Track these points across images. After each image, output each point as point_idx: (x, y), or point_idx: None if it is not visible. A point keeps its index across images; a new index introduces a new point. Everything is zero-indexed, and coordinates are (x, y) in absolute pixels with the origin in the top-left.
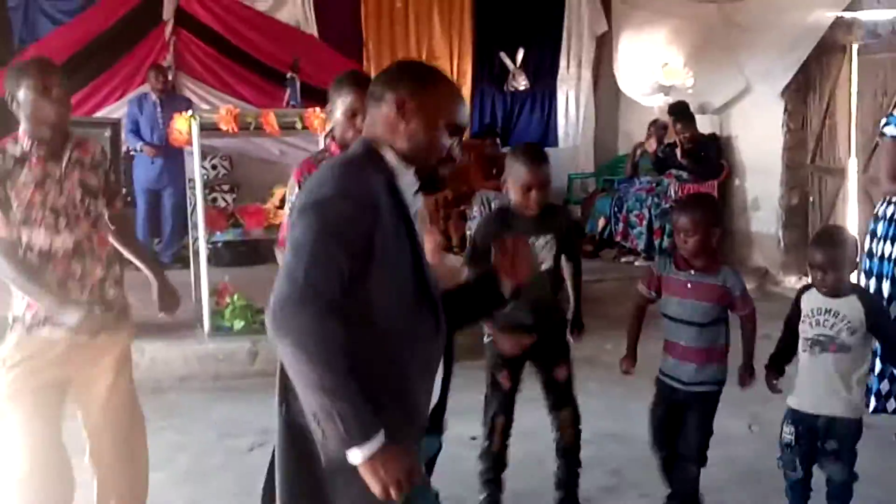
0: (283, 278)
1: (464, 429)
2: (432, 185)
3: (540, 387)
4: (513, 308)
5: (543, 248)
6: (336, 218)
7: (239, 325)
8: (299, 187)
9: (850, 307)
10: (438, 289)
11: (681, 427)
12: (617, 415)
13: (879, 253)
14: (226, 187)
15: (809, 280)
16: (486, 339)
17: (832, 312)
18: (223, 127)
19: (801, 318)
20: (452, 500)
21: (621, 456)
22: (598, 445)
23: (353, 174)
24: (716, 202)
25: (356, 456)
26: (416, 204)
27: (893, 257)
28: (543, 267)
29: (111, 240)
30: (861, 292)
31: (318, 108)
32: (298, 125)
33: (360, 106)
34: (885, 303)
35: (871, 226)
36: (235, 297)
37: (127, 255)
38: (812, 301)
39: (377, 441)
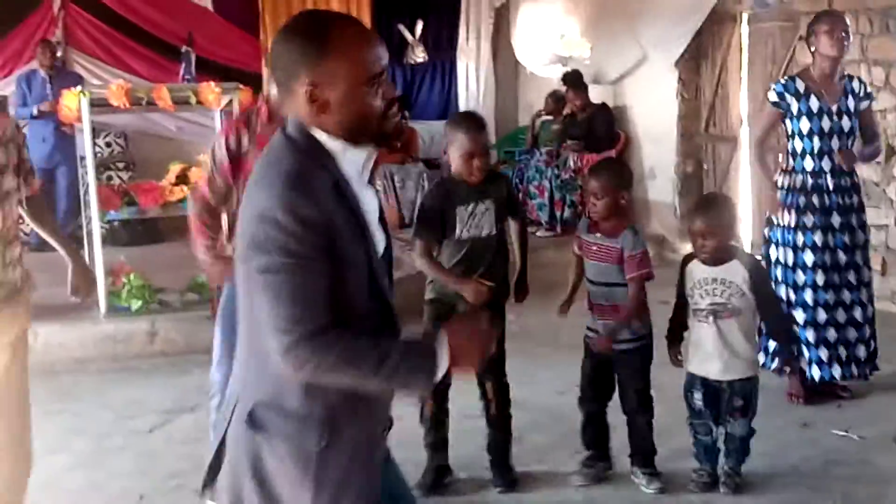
0: (271, 330)
1: None
2: (382, 142)
3: None
4: (462, 272)
5: (484, 215)
6: (297, 248)
7: (136, 304)
8: (226, 143)
9: (735, 272)
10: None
11: (614, 386)
12: (520, 382)
13: (775, 220)
14: (121, 165)
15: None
16: (428, 296)
17: (719, 280)
18: (114, 102)
19: (689, 290)
20: None
21: (523, 422)
22: None
23: (297, 185)
24: (625, 167)
25: (442, 369)
26: (366, 175)
27: (792, 225)
28: (485, 232)
29: (29, 221)
30: (742, 255)
31: (212, 83)
32: (192, 100)
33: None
34: (784, 267)
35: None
36: (132, 276)
37: (44, 235)
38: (697, 272)
39: (442, 349)
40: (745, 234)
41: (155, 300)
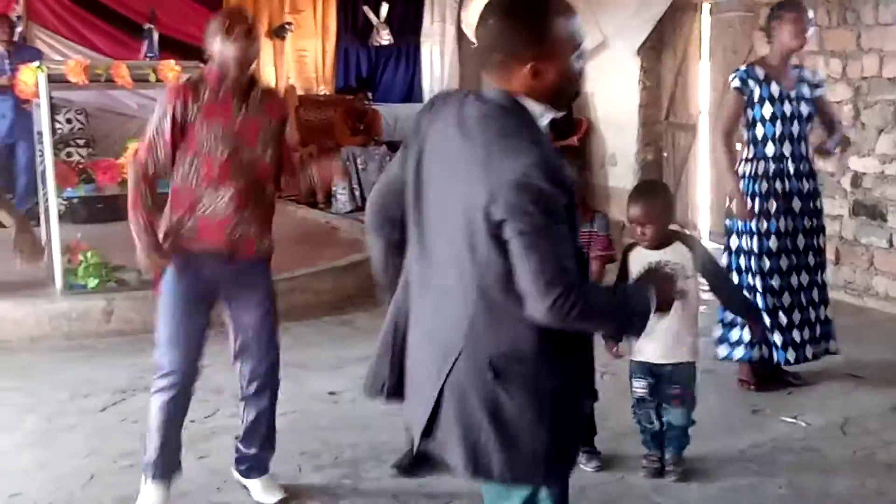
0: (545, 282)
1: (322, 384)
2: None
3: None
4: None
5: None
6: (556, 207)
7: (93, 282)
8: (173, 111)
9: (677, 254)
10: None
11: None
12: None
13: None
14: (81, 142)
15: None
16: None
17: (661, 263)
18: (72, 79)
19: (633, 277)
20: (309, 454)
21: None
22: None
23: (543, 151)
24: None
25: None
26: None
27: (755, 211)
28: None
29: None
30: (683, 237)
31: (172, 61)
32: (152, 78)
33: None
34: (747, 255)
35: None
36: (89, 254)
37: None
38: (640, 258)
39: (652, 297)
40: (703, 222)
41: (112, 278)
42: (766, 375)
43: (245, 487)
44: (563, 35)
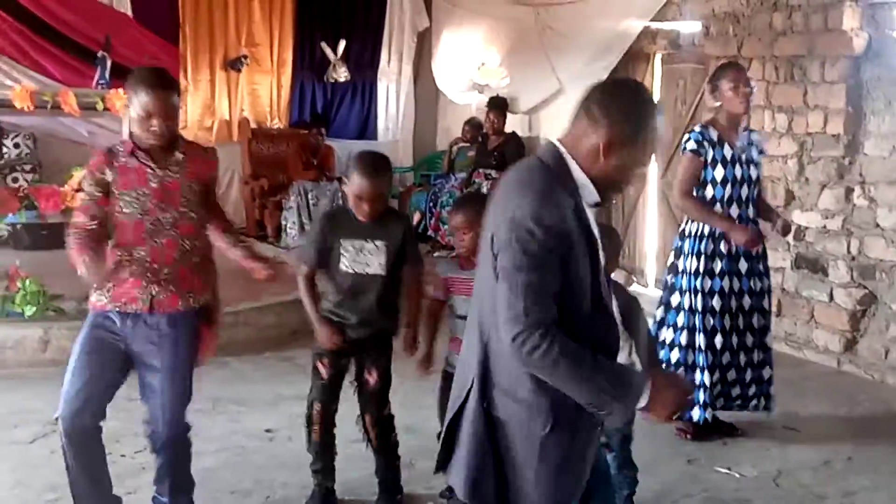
0: (505, 319)
1: (258, 421)
2: (610, 198)
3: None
4: (343, 308)
5: (373, 253)
6: (538, 250)
7: (30, 310)
8: (93, 177)
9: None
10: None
11: None
12: (411, 408)
13: (682, 268)
14: (27, 167)
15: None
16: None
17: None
18: (18, 105)
19: None
20: (240, 493)
21: (414, 448)
22: None
23: (547, 201)
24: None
25: (638, 405)
26: (592, 215)
27: (699, 271)
28: (370, 270)
29: None
30: (618, 290)
31: (121, 90)
32: (100, 106)
33: (156, 108)
34: (689, 313)
35: (677, 242)
36: (27, 281)
37: None
38: None
39: (647, 387)
40: (650, 269)
41: (50, 307)
42: (703, 426)
43: None
44: (647, 147)
